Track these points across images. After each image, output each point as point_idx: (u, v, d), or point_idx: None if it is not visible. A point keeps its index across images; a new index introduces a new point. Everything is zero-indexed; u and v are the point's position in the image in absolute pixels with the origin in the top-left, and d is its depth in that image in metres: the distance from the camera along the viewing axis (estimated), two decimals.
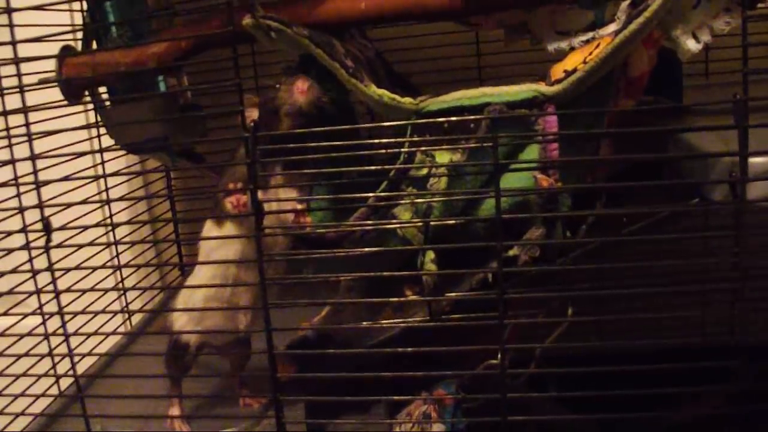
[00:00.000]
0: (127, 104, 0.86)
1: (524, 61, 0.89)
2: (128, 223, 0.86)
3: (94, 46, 0.82)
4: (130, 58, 0.73)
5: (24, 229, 0.70)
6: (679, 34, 0.71)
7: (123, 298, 1.04)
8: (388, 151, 0.64)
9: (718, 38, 0.70)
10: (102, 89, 0.86)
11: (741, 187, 0.63)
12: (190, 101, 0.91)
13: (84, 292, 0.70)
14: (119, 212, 1.03)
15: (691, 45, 0.71)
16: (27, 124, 0.69)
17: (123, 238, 1.03)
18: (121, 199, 0.90)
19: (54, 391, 0.76)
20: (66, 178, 0.70)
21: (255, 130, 0.60)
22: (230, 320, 0.72)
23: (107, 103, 0.86)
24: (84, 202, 0.70)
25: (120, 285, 1.03)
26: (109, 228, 0.96)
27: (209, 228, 0.72)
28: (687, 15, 0.70)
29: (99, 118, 0.87)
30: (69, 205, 0.69)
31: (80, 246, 0.71)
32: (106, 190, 0.93)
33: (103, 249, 0.94)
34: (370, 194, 0.66)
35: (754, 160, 0.65)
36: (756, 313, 0.62)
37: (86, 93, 0.81)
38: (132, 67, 0.73)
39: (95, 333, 0.71)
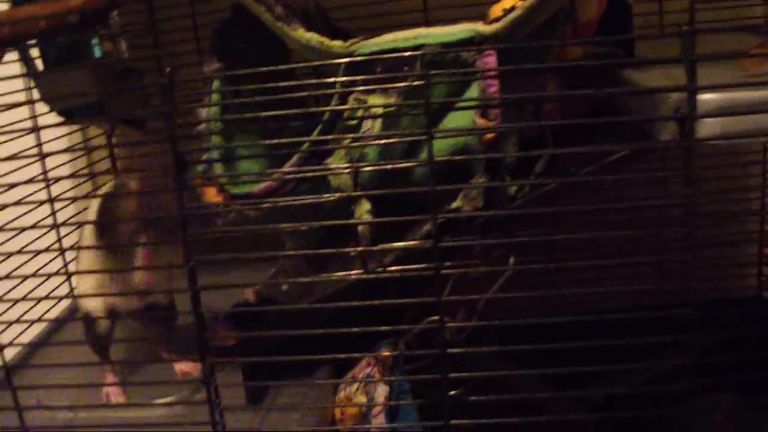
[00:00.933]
0: (61, 69, 0.82)
1: (474, 4, 0.85)
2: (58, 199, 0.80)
3: None
4: (49, 11, 0.68)
5: None
6: None
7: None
8: (318, 93, 0.61)
9: None
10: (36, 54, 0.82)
11: (689, 124, 0.59)
12: (128, 66, 0.87)
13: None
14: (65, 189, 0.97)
15: None
16: None
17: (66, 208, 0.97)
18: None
19: None
20: None
21: (171, 77, 0.57)
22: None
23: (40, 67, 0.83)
24: None
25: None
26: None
27: None
28: None
29: (31, 84, 0.83)
30: None
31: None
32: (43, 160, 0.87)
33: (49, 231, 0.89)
34: (304, 139, 0.62)
35: (704, 97, 0.61)
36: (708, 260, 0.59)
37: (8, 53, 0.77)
38: (53, 22, 0.69)
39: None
